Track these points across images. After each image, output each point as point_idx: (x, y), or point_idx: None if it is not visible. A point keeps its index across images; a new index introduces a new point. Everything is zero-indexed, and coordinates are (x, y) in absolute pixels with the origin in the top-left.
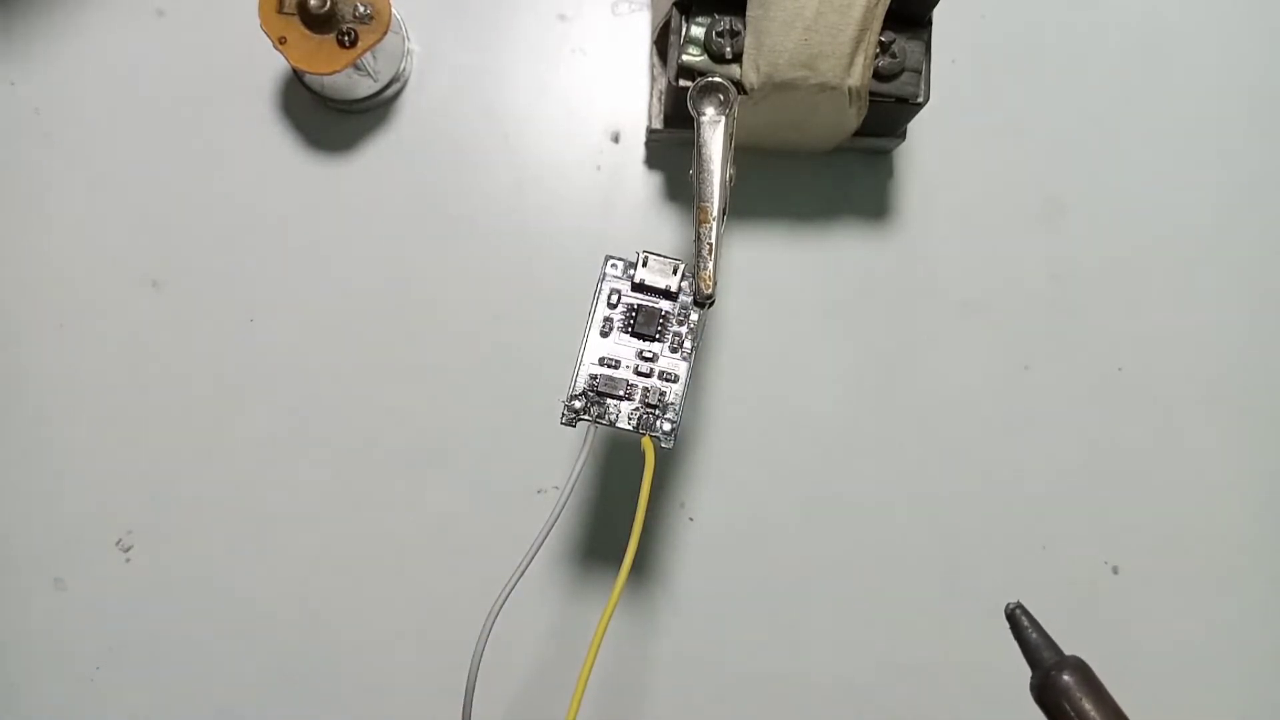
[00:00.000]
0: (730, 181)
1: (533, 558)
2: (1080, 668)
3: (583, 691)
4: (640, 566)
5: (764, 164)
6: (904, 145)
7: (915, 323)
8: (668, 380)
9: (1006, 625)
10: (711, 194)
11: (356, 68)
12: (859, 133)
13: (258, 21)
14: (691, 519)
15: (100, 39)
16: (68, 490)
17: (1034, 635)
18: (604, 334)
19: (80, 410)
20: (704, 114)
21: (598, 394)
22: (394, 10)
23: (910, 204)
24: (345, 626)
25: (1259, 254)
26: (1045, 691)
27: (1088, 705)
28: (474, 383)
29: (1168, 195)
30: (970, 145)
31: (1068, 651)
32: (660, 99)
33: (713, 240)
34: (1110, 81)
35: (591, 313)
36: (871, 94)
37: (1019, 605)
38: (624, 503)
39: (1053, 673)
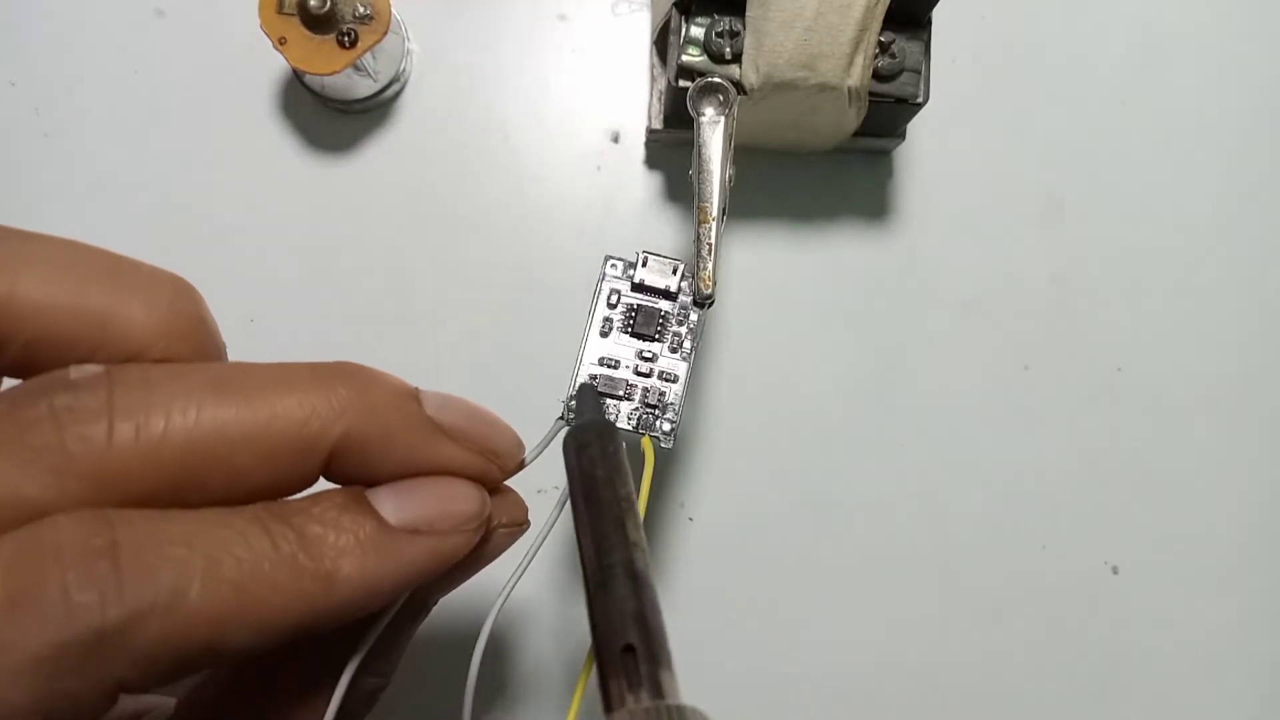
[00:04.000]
0: (730, 182)
1: (533, 557)
2: (603, 424)
3: (582, 692)
4: None
5: (764, 164)
6: (904, 145)
7: (915, 323)
8: (667, 380)
9: (1005, 625)
10: (711, 194)
11: (356, 68)
12: (859, 133)
13: (258, 21)
14: (691, 519)
15: (100, 39)
16: None
17: (589, 404)
18: (603, 334)
19: None
20: (703, 114)
21: (597, 394)
22: (394, 10)
23: (910, 204)
24: None
25: (1259, 254)
26: (568, 436)
27: (594, 447)
28: (474, 383)
29: (1168, 195)
30: (970, 145)
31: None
32: (660, 99)
33: (712, 240)
34: (1110, 81)
35: (591, 313)
36: (871, 94)
37: (589, 385)
38: None
39: (582, 423)
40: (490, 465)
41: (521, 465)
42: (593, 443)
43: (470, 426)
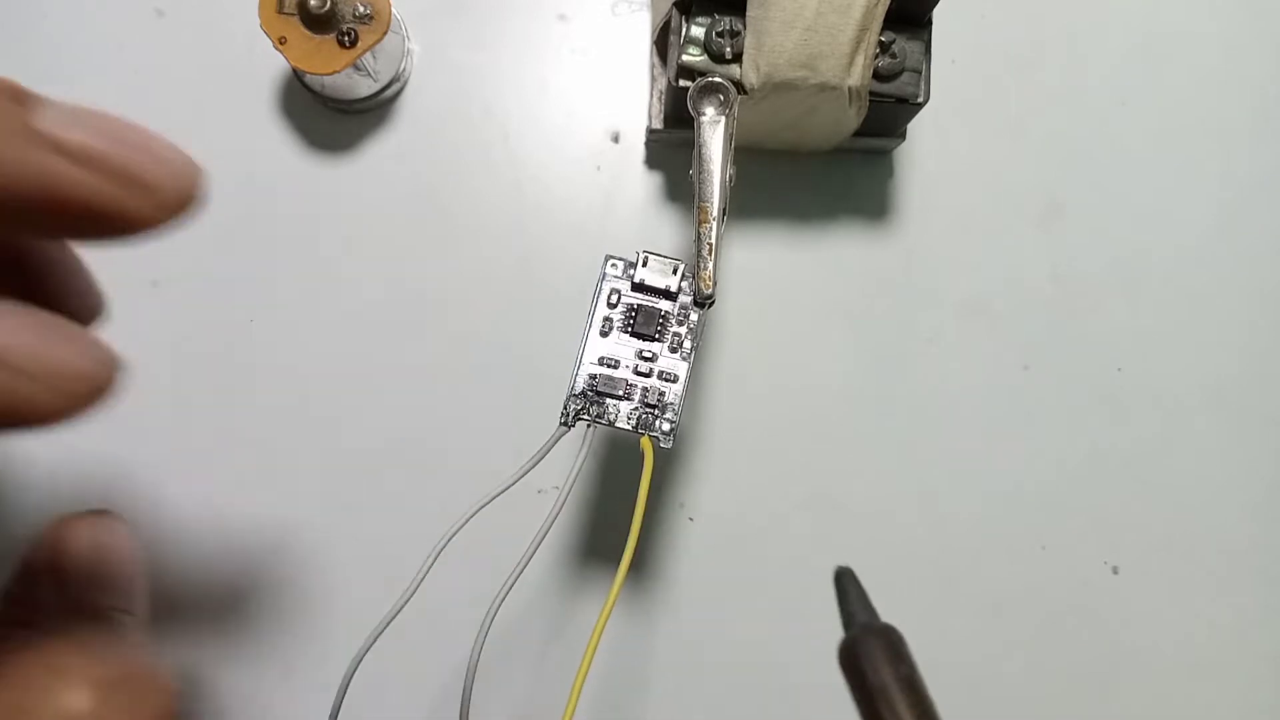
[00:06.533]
0: (730, 181)
1: (531, 556)
2: (889, 633)
3: (579, 692)
4: (639, 566)
5: (764, 164)
6: (904, 145)
7: (915, 323)
8: (667, 380)
9: (1005, 625)
10: (711, 194)
11: (356, 68)
12: (859, 133)
13: (258, 21)
14: (691, 519)
15: (100, 39)
16: (66, 491)
17: (854, 596)
18: (604, 334)
19: None
20: (704, 114)
21: (597, 394)
22: (394, 10)
23: (910, 204)
24: (343, 626)
25: (1259, 254)
26: (846, 651)
27: (886, 671)
28: (474, 382)
29: (1168, 195)
30: (970, 145)
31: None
32: (660, 99)
33: (713, 240)
34: (1110, 82)
35: (591, 312)
36: (871, 94)
37: (848, 570)
38: (623, 502)
39: (860, 634)
40: (127, 193)
41: (191, 200)
42: (884, 666)
43: (108, 148)
